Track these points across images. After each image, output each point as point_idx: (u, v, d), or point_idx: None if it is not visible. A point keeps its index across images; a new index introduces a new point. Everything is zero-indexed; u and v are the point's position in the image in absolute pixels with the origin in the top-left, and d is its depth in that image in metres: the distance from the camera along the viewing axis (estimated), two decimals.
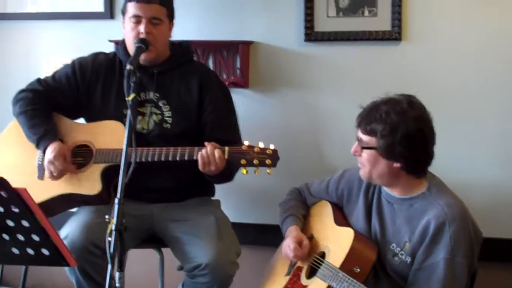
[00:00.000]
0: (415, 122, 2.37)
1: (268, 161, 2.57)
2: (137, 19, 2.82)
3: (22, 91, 2.96)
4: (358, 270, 2.39)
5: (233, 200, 3.35)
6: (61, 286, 3.66)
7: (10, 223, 2.06)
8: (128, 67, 2.45)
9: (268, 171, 2.58)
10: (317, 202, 2.83)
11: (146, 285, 3.37)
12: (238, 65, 3.35)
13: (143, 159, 2.68)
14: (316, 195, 2.84)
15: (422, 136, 2.39)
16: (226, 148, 2.61)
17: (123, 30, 2.91)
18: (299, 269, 2.63)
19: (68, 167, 2.79)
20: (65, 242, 2.30)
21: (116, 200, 2.17)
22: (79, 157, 2.84)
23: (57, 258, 2.10)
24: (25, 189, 1.99)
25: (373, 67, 3.25)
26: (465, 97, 3.16)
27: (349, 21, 3.24)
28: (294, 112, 3.36)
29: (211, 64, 3.38)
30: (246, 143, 2.60)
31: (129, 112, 2.34)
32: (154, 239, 2.96)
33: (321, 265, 2.51)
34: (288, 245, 2.61)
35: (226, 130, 2.90)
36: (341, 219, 2.66)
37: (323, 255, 2.57)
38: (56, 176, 2.78)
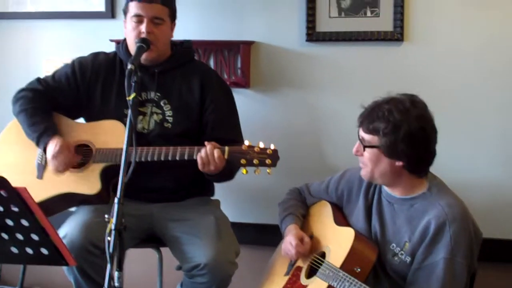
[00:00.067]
0: (417, 121, 2.37)
1: (268, 161, 2.57)
2: (139, 19, 2.81)
3: (22, 90, 2.95)
4: (359, 270, 2.39)
5: (233, 200, 3.34)
6: (59, 286, 3.65)
7: (10, 222, 2.05)
8: (129, 66, 2.44)
9: (268, 171, 2.57)
10: (316, 202, 2.83)
11: (144, 284, 3.37)
12: (239, 65, 3.35)
13: (143, 159, 2.68)
14: (315, 195, 2.84)
15: (424, 134, 2.39)
16: (226, 148, 2.61)
17: (125, 30, 2.90)
18: (299, 269, 2.63)
19: (73, 159, 2.78)
20: (64, 241, 2.28)
21: (116, 200, 2.17)
22: (79, 156, 2.83)
23: (56, 257, 2.10)
24: (25, 189, 1.99)
25: (374, 67, 3.25)
26: (466, 98, 3.16)
27: (351, 22, 3.23)
28: (295, 112, 3.35)
29: (212, 64, 3.38)
30: (246, 142, 2.59)
31: (129, 111, 2.33)
32: (153, 239, 2.95)
33: (321, 265, 2.51)
34: (289, 242, 2.61)
35: (228, 129, 2.90)
36: (341, 219, 2.66)
37: (323, 255, 2.56)
38: (62, 170, 2.77)
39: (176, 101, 2.89)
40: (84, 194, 2.74)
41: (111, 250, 2.11)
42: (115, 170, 2.55)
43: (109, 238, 2.12)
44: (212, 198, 3.08)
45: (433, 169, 2.51)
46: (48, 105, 2.91)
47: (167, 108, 2.89)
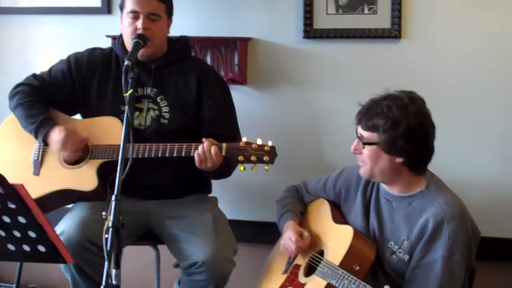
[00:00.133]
0: (416, 117, 2.37)
1: (266, 158, 2.56)
2: (135, 15, 2.80)
3: (19, 85, 2.93)
4: (358, 268, 2.39)
5: (230, 197, 3.33)
6: (56, 283, 3.65)
7: (7, 219, 2.04)
8: (126, 62, 2.43)
9: (265, 167, 2.57)
10: (314, 200, 2.82)
11: (141, 282, 3.35)
12: (236, 61, 3.33)
13: (140, 155, 2.67)
14: (313, 193, 2.83)
15: (423, 130, 2.40)
16: (224, 145, 2.60)
17: (121, 25, 2.89)
18: (297, 267, 2.62)
19: (84, 138, 2.77)
20: (61, 238, 2.27)
21: (113, 197, 2.15)
22: None
23: (53, 254, 2.09)
24: (22, 185, 1.97)
25: (372, 65, 3.24)
26: (465, 96, 3.16)
27: (348, 19, 3.22)
28: (292, 109, 3.35)
29: (209, 61, 3.36)
30: (244, 139, 2.59)
31: (127, 108, 2.32)
32: (150, 236, 2.94)
33: (319, 263, 2.50)
34: (288, 238, 2.60)
35: (225, 125, 2.89)
36: (339, 217, 2.65)
37: (321, 253, 2.56)
38: (73, 155, 2.74)
39: (173, 97, 2.88)
40: (81, 190, 2.72)
41: (108, 247, 2.10)
42: (112, 167, 2.55)
43: (106, 236, 2.11)
44: (209, 195, 3.06)
45: (431, 167, 2.51)
46: (45, 100, 2.89)
47: (163, 104, 2.88)
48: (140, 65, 2.75)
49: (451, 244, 2.32)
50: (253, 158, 2.56)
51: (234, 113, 2.98)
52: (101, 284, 2.11)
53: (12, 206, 2.01)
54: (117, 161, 2.25)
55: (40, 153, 2.83)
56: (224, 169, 2.73)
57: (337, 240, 2.51)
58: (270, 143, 2.57)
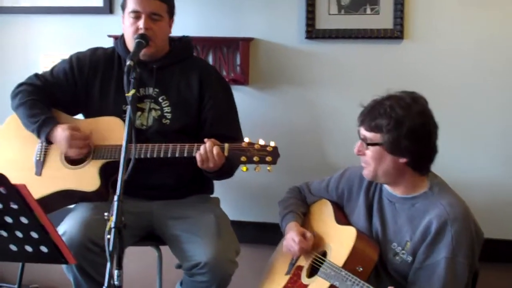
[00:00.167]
0: (419, 116, 2.37)
1: (268, 158, 2.56)
2: (137, 15, 2.80)
3: (21, 84, 2.93)
4: (361, 269, 2.38)
5: (232, 198, 3.33)
6: (58, 283, 3.64)
7: (9, 219, 2.04)
8: (128, 62, 2.43)
9: (268, 168, 2.56)
10: (317, 200, 2.82)
11: (143, 283, 3.36)
12: (238, 62, 3.33)
13: (142, 156, 2.66)
14: (316, 194, 2.82)
15: (426, 130, 2.40)
16: (226, 145, 2.59)
17: (123, 25, 2.89)
18: (300, 268, 2.61)
19: (90, 137, 2.76)
20: (63, 239, 2.27)
21: (116, 198, 2.14)
22: None
23: (55, 255, 2.08)
24: (24, 186, 1.97)
25: (374, 65, 3.23)
26: (466, 96, 3.15)
27: (350, 19, 3.22)
28: (294, 110, 3.34)
29: (211, 61, 3.36)
30: (246, 140, 2.58)
31: (129, 108, 2.31)
32: (152, 237, 2.93)
33: (322, 264, 2.49)
34: (291, 238, 2.59)
35: (227, 126, 2.88)
36: (342, 218, 2.64)
37: (324, 254, 2.55)
38: (82, 149, 2.74)
39: (175, 97, 2.88)
40: (83, 191, 2.71)
41: (110, 248, 2.09)
42: (114, 167, 2.54)
43: (108, 236, 2.10)
44: (211, 196, 3.06)
45: (433, 168, 2.50)
46: (47, 100, 2.88)
47: (165, 104, 2.87)
48: (142, 65, 2.73)
49: (454, 245, 2.32)
50: (255, 158, 2.55)
51: (236, 114, 2.97)
52: (103, 284, 2.09)
53: (14, 206, 2.00)
54: (119, 161, 2.24)
55: (42, 153, 2.83)
56: (226, 170, 2.72)
57: (340, 241, 2.51)
58: (272, 144, 2.56)
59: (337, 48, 3.27)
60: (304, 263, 2.61)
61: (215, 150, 2.58)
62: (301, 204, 2.81)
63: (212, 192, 3.06)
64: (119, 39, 2.95)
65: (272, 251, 2.86)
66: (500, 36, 3.10)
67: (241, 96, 3.26)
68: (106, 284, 2.08)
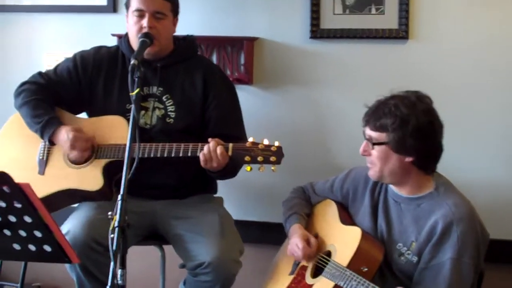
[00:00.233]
0: (424, 114, 2.37)
1: (272, 158, 2.55)
2: (140, 13, 2.79)
3: (24, 83, 2.92)
4: (366, 269, 2.37)
5: (236, 198, 3.31)
6: (60, 282, 3.63)
7: (12, 218, 2.02)
8: (132, 61, 2.42)
9: (272, 168, 2.55)
10: (321, 201, 2.80)
11: (146, 282, 3.34)
12: (242, 61, 3.32)
13: (146, 155, 2.65)
14: (320, 194, 2.81)
15: (432, 128, 2.39)
16: (230, 145, 2.58)
17: (127, 24, 2.88)
18: (304, 268, 2.60)
19: (92, 139, 2.75)
20: (66, 238, 2.26)
21: (119, 197, 2.13)
22: None
23: (59, 254, 2.07)
24: (28, 185, 1.95)
25: (379, 65, 3.22)
26: (471, 96, 3.14)
27: (355, 19, 3.21)
28: (298, 110, 3.33)
29: (215, 60, 3.35)
30: (250, 139, 2.57)
31: (133, 107, 2.30)
32: (156, 236, 2.92)
33: (327, 264, 2.48)
34: (295, 244, 2.58)
35: (230, 125, 2.87)
36: (347, 218, 2.63)
37: (328, 254, 2.54)
38: (85, 151, 2.72)
39: (179, 96, 2.87)
40: (86, 190, 2.70)
41: (114, 247, 2.08)
42: (117, 166, 2.54)
43: (112, 236, 2.10)
44: (215, 195, 3.05)
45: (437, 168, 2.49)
46: (50, 99, 2.87)
47: (169, 103, 2.86)
48: (146, 64, 2.74)
49: (460, 246, 2.31)
50: (259, 158, 2.54)
51: (240, 113, 2.96)
52: (106, 284, 2.09)
53: (18, 205, 1.98)
54: (122, 161, 2.23)
55: (45, 152, 2.82)
56: (230, 170, 2.71)
57: (344, 241, 2.50)
58: (276, 144, 2.55)
59: (341, 48, 3.26)
60: (309, 263, 2.60)
61: (219, 149, 2.57)
62: (305, 205, 2.80)
63: (215, 192, 3.05)
64: (123, 38, 2.94)
65: (276, 251, 2.85)
66: (504, 37, 3.09)
67: (245, 95, 3.25)
68: (109, 283, 2.08)
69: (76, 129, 2.75)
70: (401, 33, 3.15)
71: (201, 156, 2.61)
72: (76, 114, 2.93)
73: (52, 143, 2.79)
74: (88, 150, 2.75)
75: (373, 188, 2.58)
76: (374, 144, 2.42)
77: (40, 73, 2.96)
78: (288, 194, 2.87)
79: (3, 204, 2.00)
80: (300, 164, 3.25)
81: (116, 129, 2.77)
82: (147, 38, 2.72)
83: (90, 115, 2.94)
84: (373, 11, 3.19)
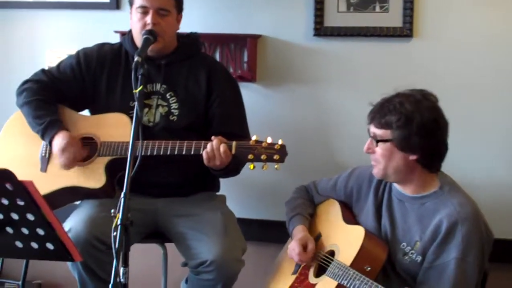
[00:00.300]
0: (429, 112, 2.36)
1: (276, 157, 2.53)
2: (144, 10, 2.78)
3: (27, 81, 2.91)
4: (369, 268, 2.36)
5: (238, 195, 3.30)
6: (61, 280, 3.62)
7: (15, 216, 2.01)
8: (136, 58, 2.41)
9: (276, 166, 2.54)
10: (324, 200, 2.79)
11: (148, 280, 3.33)
12: (246, 59, 3.31)
13: (149, 153, 2.64)
14: (323, 193, 2.80)
15: (437, 126, 2.38)
16: (234, 143, 2.57)
17: (130, 21, 2.87)
18: (307, 267, 2.59)
19: (81, 154, 2.74)
20: (68, 235, 2.25)
21: (122, 195, 2.13)
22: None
23: (62, 253, 2.06)
24: (31, 182, 1.95)
25: (383, 63, 3.21)
26: (475, 95, 3.12)
27: (359, 17, 3.19)
28: (302, 108, 3.31)
29: (218, 58, 3.33)
30: (253, 137, 2.56)
31: (136, 105, 2.30)
32: (158, 234, 2.91)
33: (330, 263, 2.47)
34: (293, 249, 2.57)
35: (234, 123, 2.87)
36: (350, 217, 2.62)
37: (332, 253, 2.53)
38: (69, 165, 2.72)
39: (183, 94, 2.86)
40: (89, 188, 2.70)
41: (117, 245, 2.07)
42: (120, 164, 2.53)
43: (115, 234, 2.09)
44: (217, 193, 3.04)
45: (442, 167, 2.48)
46: (53, 97, 2.86)
47: (173, 100, 2.85)
48: (149, 61, 2.73)
49: (464, 246, 2.30)
50: (263, 156, 2.53)
51: (244, 111, 2.96)
52: (108, 282, 2.09)
53: (21, 203, 1.98)
54: (125, 158, 2.23)
55: (48, 149, 2.81)
56: (233, 168, 2.71)
57: (348, 240, 2.49)
58: (280, 142, 2.54)
59: (345, 46, 3.25)
60: (312, 262, 2.58)
61: (222, 148, 2.56)
62: (308, 205, 2.78)
63: (218, 190, 3.04)
64: (127, 35, 2.93)
65: (278, 249, 2.84)
66: (509, 35, 3.07)
67: (248, 93, 3.23)
68: (112, 281, 2.07)
69: (72, 137, 2.72)
70: (405, 31, 3.14)
71: (204, 154, 2.59)
72: (79, 111, 2.92)
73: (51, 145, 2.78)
74: (74, 163, 2.73)
75: (377, 187, 2.56)
76: (378, 141, 2.41)
77: (43, 70, 2.95)
78: (291, 193, 2.85)
79: (5, 202, 1.99)
80: (303, 162, 3.24)
81: (119, 127, 2.76)
82: (151, 35, 2.71)
83: (93, 112, 2.93)
84: (377, 9, 3.18)
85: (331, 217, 2.68)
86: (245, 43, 3.29)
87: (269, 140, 2.55)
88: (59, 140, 2.72)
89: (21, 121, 2.86)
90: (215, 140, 2.58)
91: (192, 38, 2.97)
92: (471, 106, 3.13)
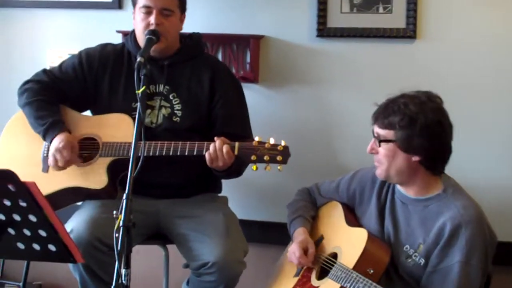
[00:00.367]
0: (434, 114, 2.35)
1: (279, 158, 2.52)
2: (148, 10, 2.77)
3: (28, 81, 2.90)
4: (372, 271, 2.35)
5: (240, 197, 3.29)
6: (62, 281, 3.61)
7: (17, 217, 2.00)
8: (139, 59, 2.40)
9: (279, 167, 2.53)
10: (327, 202, 2.78)
11: (150, 281, 3.33)
12: (248, 59, 3.30)
13: (151, 154, 2.63)
14: (326, 196, 2.79)
15: (441, 128, 2.37)
16: (236, 144, 2.56)
17: (133, 21, 2.86)
18: (309, 270, 2.58)
19: (75, 159, 2.73)
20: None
21: (125, 196, 2.11)
22: (85, 150, 2.78)
23: (64, 254, 2.05)
24: (34, 183, 1.94)
25: (386, 64, 3.20)
26: (478, 96, 3.12)
27: (363, 18, 3.18)
28: (304, 108, 3.31)
29: (220, 58, 3.33)
30: (256, 138, 2.55)
31: (139, 105, 2.28)
32: (159, 235, 2.90)
33: (333, 266, 2.46)
34: (293, 252, 2.56)
35: (237, 124, 2.85)
36: (353, 219, 2.61)
37: (334, 255, 2.52)
38: (61, 166, 2.71)
39: (186, 95, 2.84)
40: (90, 188, 2.69)
41: (119, 247, 2.06)
42: (122, 165, 2.52)
43: (117, 235, 2.07)
44: (219, 194, 3.03)
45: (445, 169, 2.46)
46: (55, 97, 2.85)
47: (176, 101, 2.84)
48: (152, 62, 2.72)
49: (468, 249, 2.29)
50: (266, 157, 2.52)
51: (247, 112, 2.95)
52: (109, 283, 2.08)
53: (23, 204, 1.97)
54: (127, 159, 2.21)
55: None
56: (235, 169, 2.70)
57: (351, 243, 2.48)
58: (283, 143, 2.53)
59: (348, 47, 3.24)
60: (314, 265, 2.57)
61: (225, 148, 2.55)
62: (310, 207, 2.77)
63: (220, 191, 3.03)
64: (130, 35, 2.92)
65: (280, 251, 2.83)
66: None
67: (251, 94, 3.23)
68: (114, 283, 2.06)
69: (70, 142, 2.70)
70: (408, 33, 3.13)
71: (207, 155, 2.58)
72: (81, 112, 2.91)
73: None
74: (64, 167, 2.71)
75: (380, 190, 2.56)
76: (381, 141, 2.40)
77: (44, 71, 2.94)
78: (293, 194, 2.85)
79: (8, 203, 1.98)
80: (305, 163, 3.23)
81: (121, 127, 2.75)
82: (154, 35, 2.70)
83: (95, 113, 2.92)
84: (381, 10, 3.17)
85: (334, 219, 2.67)
86: (248, 44, 3.28)
87: (272, 141, 2.54)
88: (56, 141, 2.70)
89: (23, 121, 2.85)
90: (218, 141, 2.57)
91: (195, 39, 2.96)
92: (474, 106, 3.12)
